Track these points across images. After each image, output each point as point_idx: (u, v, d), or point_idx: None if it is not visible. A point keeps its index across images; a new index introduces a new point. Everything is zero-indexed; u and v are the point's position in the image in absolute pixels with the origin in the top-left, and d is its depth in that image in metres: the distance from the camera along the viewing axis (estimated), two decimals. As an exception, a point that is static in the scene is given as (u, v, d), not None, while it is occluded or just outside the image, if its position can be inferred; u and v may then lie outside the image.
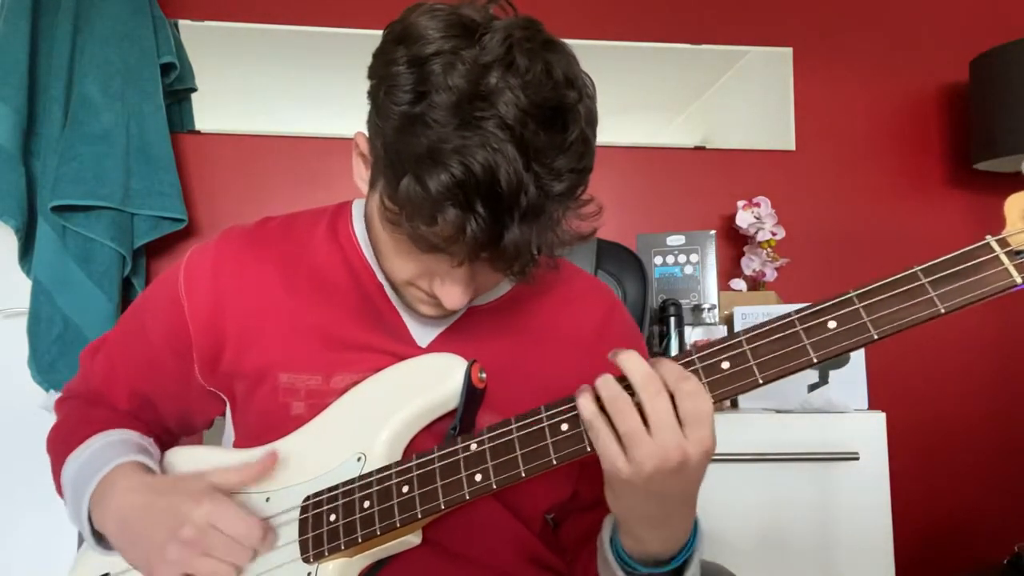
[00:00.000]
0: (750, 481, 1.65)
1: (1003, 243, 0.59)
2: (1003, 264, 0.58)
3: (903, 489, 1.79)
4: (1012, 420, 2.30)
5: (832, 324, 0.62)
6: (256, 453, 0.86)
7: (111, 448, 0.89)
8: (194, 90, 2.07)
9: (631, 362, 0.66)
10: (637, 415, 0.65)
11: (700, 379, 0.66)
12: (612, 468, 0.66)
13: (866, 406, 1.73)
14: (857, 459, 1.65)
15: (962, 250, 0.59)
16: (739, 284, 2.11)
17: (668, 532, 0.75)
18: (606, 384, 0.66)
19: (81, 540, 0.92)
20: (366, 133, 0.80)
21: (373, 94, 0.75)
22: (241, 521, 0.77)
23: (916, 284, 0.60)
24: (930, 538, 2.22)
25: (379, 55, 0.74)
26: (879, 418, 1.68)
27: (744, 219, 2.09)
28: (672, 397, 0.65)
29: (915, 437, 2.20)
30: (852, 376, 1.74)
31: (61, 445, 0.94)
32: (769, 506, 1.66)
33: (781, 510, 1.66)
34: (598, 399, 0.67)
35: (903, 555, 1.73)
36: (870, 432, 1.67)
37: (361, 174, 0.84)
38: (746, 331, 0.66)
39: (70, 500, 0.89)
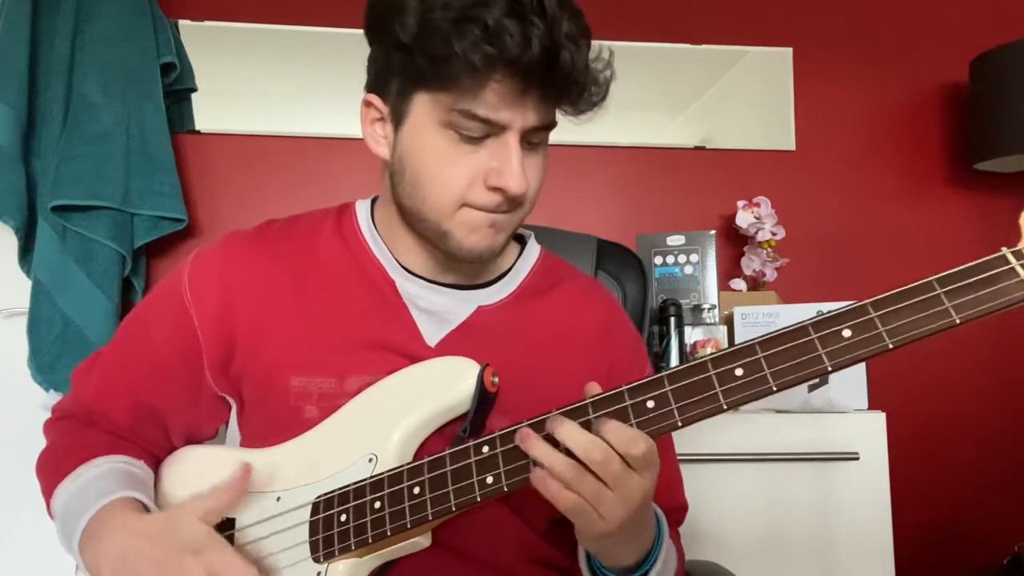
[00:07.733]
0: (750, 481, 1.65)
1: (1019, 255, 0.59)
2: (1020, 276, 0.58)
3: (903, 489, 1.79)
4: (1012, 420, 2.30)
5: (847, 333, 0.62)
6: (270, 452, 0.86)
7: (100, 481, 0.86)
8: (194, 90, 2.07)
9: (571, 436, 0.68)
10: (594, 479, 0.68)
11: (714, 387, 0.66)
12: (587, 525, 0.70)
13: (866, 406, 1.72)
14: (857, 459, 1.65)
15: (977, 261, 0.60)
16: (739, 284, 2.11)
17: (639, 544, 0.79)
18: (555, 462, 0.68)
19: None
20: (371, 95, 0.86)
21: (377, 24, 0.82)
22: (240, 571, 0.74)
23: (932, 294, 0.60)
24: (930, 538, 2.22)
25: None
26: (879, 418, 1.68)
27: (744, 219, 2.09)
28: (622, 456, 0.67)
29: (915, 437, 2.20)
30: (852, 376, 1.73)
31: (52, 471, 0.91)
32: (769, 506, 1.66)
33: (781, 510, 1.66)
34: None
35: (903, 555, 1.73)
36: (870, 432, 1.67)
37: (376, 135, 0.87)
38: (759, 338, 0.65)
39: (60, 533, 0.86)
